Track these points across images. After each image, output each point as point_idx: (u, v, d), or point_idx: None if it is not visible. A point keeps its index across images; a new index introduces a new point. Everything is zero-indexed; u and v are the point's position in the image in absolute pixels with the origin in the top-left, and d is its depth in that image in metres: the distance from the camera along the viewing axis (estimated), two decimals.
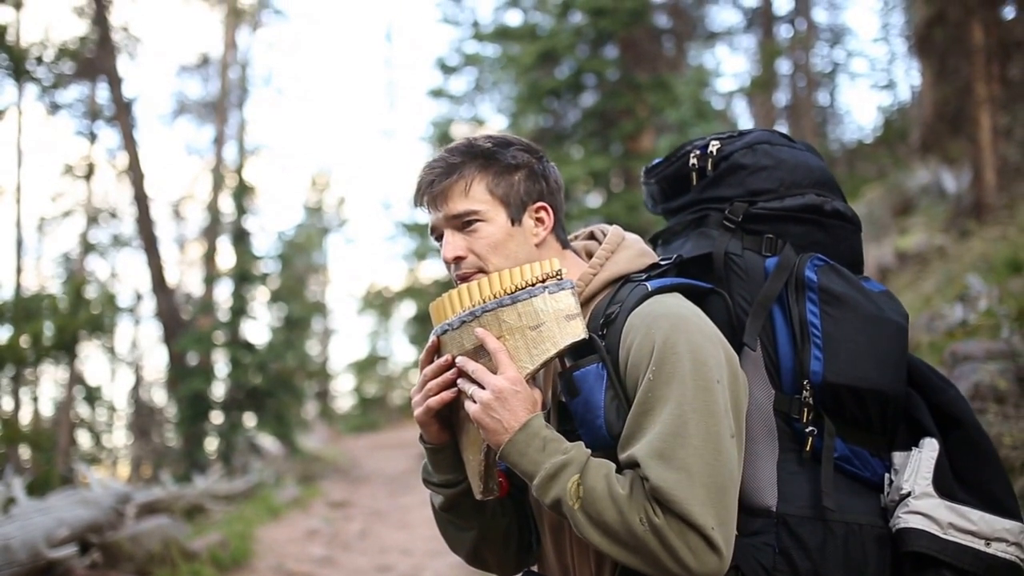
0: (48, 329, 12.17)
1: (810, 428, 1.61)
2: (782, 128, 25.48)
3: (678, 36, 20.44)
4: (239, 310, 21.08)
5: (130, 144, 20.80)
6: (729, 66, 31.52)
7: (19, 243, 19.59)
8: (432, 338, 1.76)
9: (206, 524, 10.45)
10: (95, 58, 19.92)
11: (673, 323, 1.55)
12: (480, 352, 1.67)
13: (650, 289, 1.64)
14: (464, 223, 1.74)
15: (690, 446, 1.45)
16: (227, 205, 22.98)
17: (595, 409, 1.60)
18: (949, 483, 1.59)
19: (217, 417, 20.94)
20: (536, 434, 1.58)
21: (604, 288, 1.74)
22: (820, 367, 1.59)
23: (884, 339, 1.62)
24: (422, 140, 30.67)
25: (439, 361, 1.71)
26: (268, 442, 22.74)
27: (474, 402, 1.61)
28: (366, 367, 33.66)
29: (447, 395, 1.69)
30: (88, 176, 23.88)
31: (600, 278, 1.73)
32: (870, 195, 15.74)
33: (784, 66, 23.84)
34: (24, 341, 11.79)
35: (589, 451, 1.57)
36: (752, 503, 1.61)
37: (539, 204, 1.76)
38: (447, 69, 24.77)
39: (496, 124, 27.90)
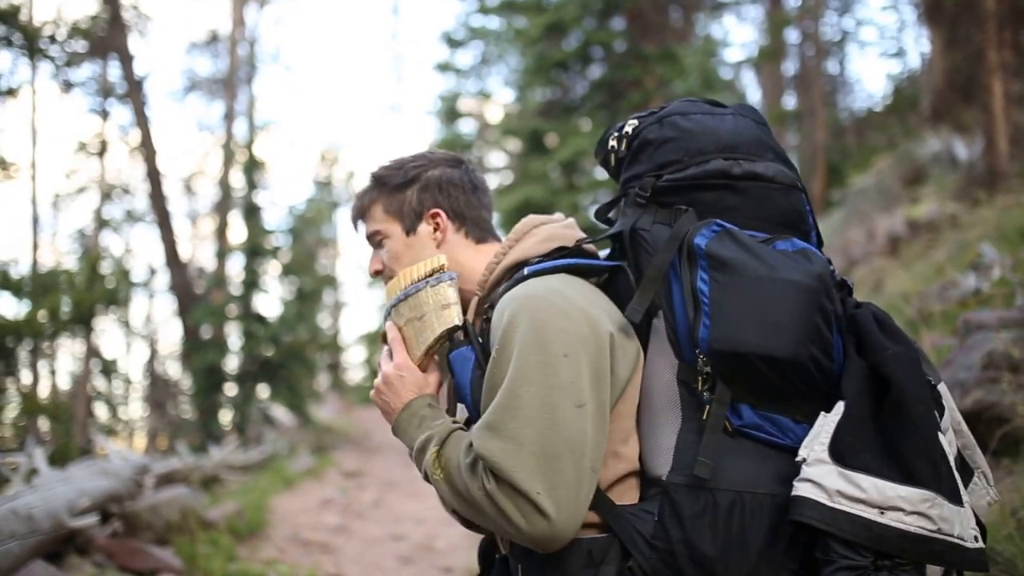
0: (65, 304, 12.28)
1: (707, 396, 1.59)
2: (791, 98, 25.34)
3: (685, 7, 20.30)
4: (251, 283, 21.19)
5: (142, 121, 20.85)
6: (737, 36, 31.47)
7: (35, 219, 19.70)
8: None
9: (222, 494, 10.59)
10: (107, 36, 19.93)
11: (521, 302, 1.64)
12: None
13: (526, 273, 1.75)
14: (375, 242, 1.99)
15: (521, 417, 1.53)
16: (238, 180, 23.04)
17: (464, 388, 1.77)
18: (847, 448, 1.48)
19: (231, 389, 21.10)
20: (415, 413, 1.78)
21: (506, 274, 1.85)
22: (706, 334, 1.55)
23: (773, 300, 1.53)
24: (430, 114, 30.56)
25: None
26: (281, 413, 22.92)
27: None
28: (377, 339, 33.82)
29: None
30: (101, 153, 23.96)
31: (501, 265, 1.85)
32: (880, 164, 15.67)
33: (792, 35, 23.69)
34: (42, 316, 11.91)
35: (454, 425, 1.72)
36: (649, 473, 1.65)
37: (432, 211, 1.93)
38: (453, 43, 24.67)
39: (503, 97, 27.79)
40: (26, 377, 15.43)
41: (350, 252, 60.29)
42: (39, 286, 12.85)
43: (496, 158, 28.57)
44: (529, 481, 1.50)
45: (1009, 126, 11.04)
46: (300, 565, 6.84)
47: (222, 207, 23.94)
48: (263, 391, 21.44)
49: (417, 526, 8.90)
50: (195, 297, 22.03)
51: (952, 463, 1.49)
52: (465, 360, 1.78)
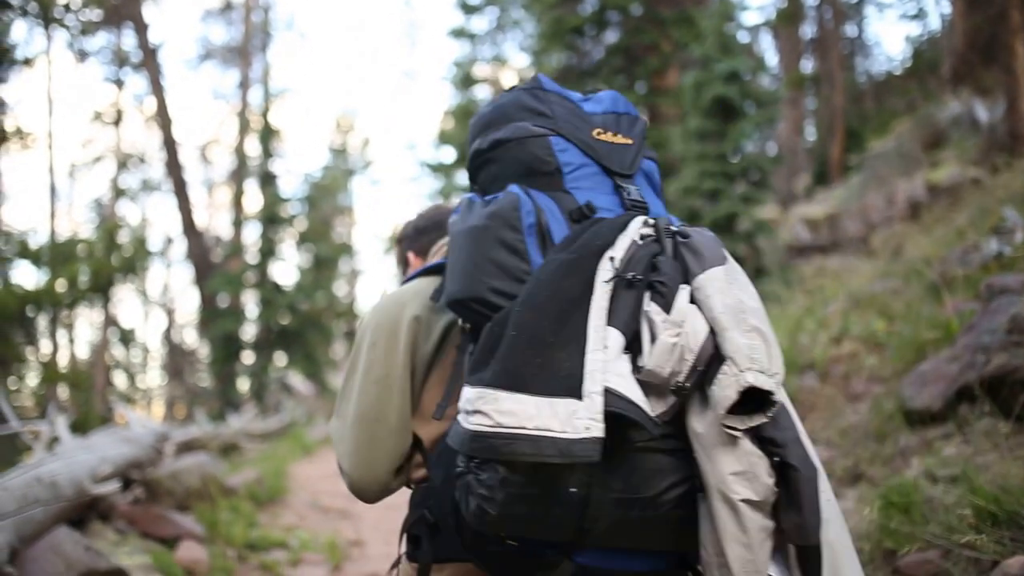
0: (83, 273, 12.32)
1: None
2: (809, 62, 25.05)
3: None
4: (268, 252, 21.24)
5: (157, 90, 20.82)
6: None
7: (52, 189, 19.75)
8: None
9: (241, 461, 10.68)
10: (121, 5, 19.90)
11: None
12: None
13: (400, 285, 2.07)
14: None
15: (344, 399, 1.89)
16: (253, 148, 23.03)
17: None
18: (474, 365, 1.51)
19: (248, 357, 21.22)
20: None
21: None
22: None
23: (456, 249, 1.68)
24: (445, 80, 30.40)
25: None
26: (298, 382, 23.05)
27: None
28: None
29: None
30: (117, 122, 23.97)
31: None
32: (899, 128, 15.49)
33: None
34: (60, 285, 11.95)
35: None
36: None
37: (408, 253, 2.64)
38: (468, 8, 24.41)
39: (519, 63, 27.58)
40: (46, 346, 15.56)
41: (366, 220, 60.49)
42: (57, 255, 12.89)
43: None
44: (337, 446, 1.86)
45: None
46: (320, 531, 6.89)
47: (238, 175, 23.96)
48: (280, 359, 21.54)
49: None
50: (212, 266, 22.12)
51: (589, 354, 1.42)
52: None
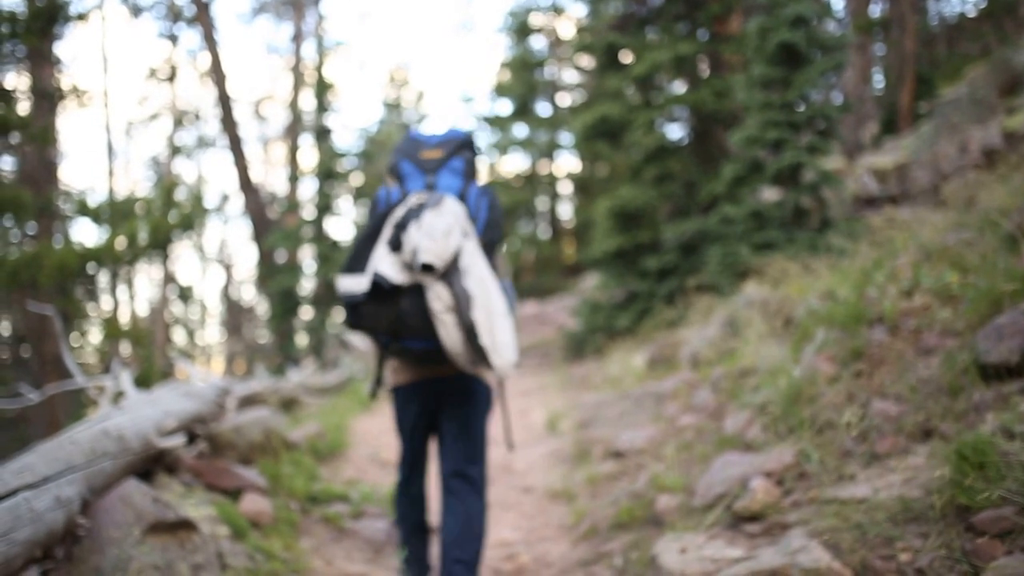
0: (142, 230, 12.45)
1: None
2: (877, 6, 24.26)
3: None
4: (324, 207, 21.30)
5: (211, 45, 20.85)
6: None
7: (109, 147, 20.00)
8: None
9: (302, 415, 10.77)
10: None
11: None
12: None
13: None
14: None
15: None
16: (308, 103, 23.02)
17: None
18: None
19: (306, 313, 21.41)
20: None
21: None
22: None
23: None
24: (500, 31, 30.00)
25: None
26: (356, 337, 23.24)
27: None
28: None
29: None
30: (172, 78, 24.13)
31: None
32: (973, 74, 14.92)
33: None
34: (120, 242, 12.08)
35: None
36: None
37: None
38: None
39: (576, 12, 27.09)
40: (107, 303, 15.83)
41: None
42: (116, 213, 13.05)
43: (569, 75, 28.04)
44: None
45: None
46: (381, 484, 6.92)
47: (293, 131, 24.01)
48: (338, 314, 21.70)
49: (494, 447, 8.93)
50: (269, 222, 22.27)
51: (371, 251, 3.11)
52: None
